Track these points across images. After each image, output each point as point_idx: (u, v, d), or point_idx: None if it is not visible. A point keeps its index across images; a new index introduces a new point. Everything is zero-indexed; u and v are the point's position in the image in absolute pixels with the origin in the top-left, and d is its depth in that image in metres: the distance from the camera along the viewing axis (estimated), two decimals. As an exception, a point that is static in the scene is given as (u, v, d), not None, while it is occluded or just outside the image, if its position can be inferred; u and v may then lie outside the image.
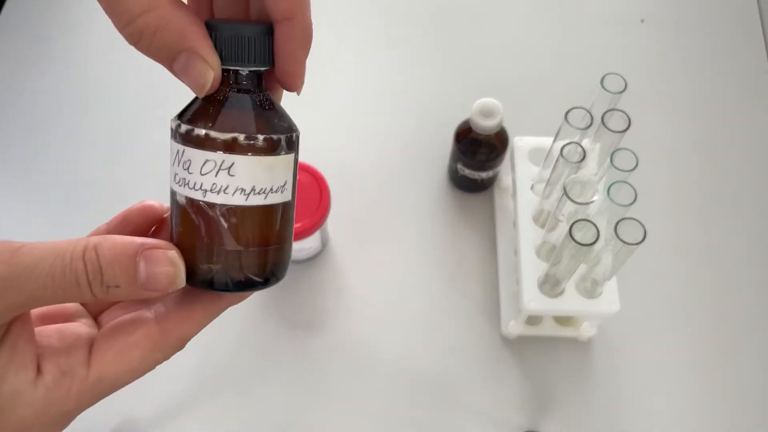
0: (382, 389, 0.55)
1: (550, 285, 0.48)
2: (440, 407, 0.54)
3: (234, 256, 0.25)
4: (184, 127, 0.25)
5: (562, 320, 0.56)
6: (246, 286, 0.27)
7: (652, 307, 0.58)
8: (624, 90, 0.45)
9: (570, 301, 0.49)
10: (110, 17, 0.22)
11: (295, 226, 0.52)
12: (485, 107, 0.53)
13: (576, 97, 0.48)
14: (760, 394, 0.55)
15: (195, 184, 0.24)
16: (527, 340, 0.56)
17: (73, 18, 0.74)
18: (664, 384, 0.55)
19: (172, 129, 0.26)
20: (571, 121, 0.46)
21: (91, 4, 0.84)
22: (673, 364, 0.56)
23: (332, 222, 0.60)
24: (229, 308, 0.62)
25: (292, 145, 0.25)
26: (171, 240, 0.25)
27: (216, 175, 0.23)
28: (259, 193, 0.24)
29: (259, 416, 0.54)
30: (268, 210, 0.25)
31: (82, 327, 0.25)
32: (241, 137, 0.23)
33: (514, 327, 0.55)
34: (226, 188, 0.24)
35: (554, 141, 0.49)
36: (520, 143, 0.56)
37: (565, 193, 0.43)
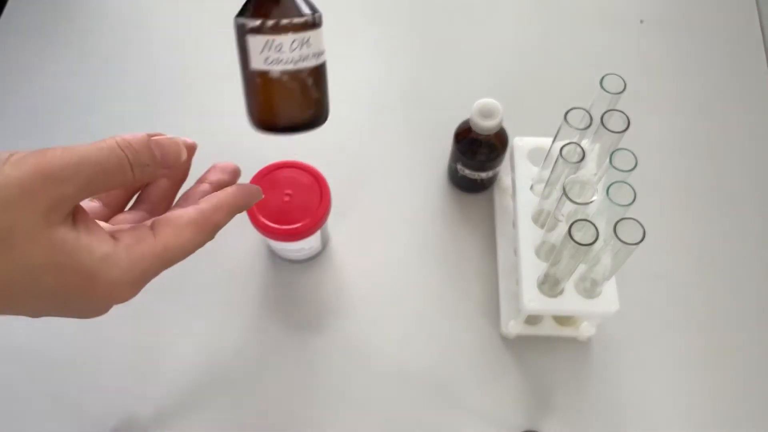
0: (381, 389, 0.55)
1: (550, 285, 0.48)
2: (440, 407, 0.54)
3: (315, 103, 0.36)
4: (270, 22, 0.34)
5: (562, 320, 0.56)
6: (316, 123, 0.37)
7: (651, 306, 0.58)
8: (623, 90, 0.45)
9: (569, 301, 0.49)
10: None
11: (295, 226, 0.53)
12: (485, 107, 0.53)
13: (575, 98, 0.48)
14: (760, 393, 0.55)
15: (288, 59, 0.34)
16: (527, 340, 0.56)
17: (75, 18, 0.74)
18: (663, 383, 0.55)
19: (252, 27, 0.35)
20: (570, 121, 0.46)
21: (92, 4, 0.84)
22: (672, 363, 0.56)
23: (332, 222, 0.61)
24: (229, 308, 0.62)
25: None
26: (259, 114, 0.38)
27: (300, 49, 0.34)
28: (320, 55, 0.35)
29: (259, 415, 0.54)
30: (324, 66, 0.36)
31: (134, 215, 0.32)
32: (310, 18, 0.34)
33: (513, 327, 0.55)
34: (307, 56, 0.34)
35: (554, 141, 0.49)
36: (520, 143, 0.56)
37: (565, 193, 0.43)
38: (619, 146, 0.44)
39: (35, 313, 0.27)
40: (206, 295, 0.58)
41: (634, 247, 0.40)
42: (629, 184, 0.42)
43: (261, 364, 0.56)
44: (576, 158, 0.45)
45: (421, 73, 0.71)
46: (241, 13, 0.35)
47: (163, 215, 0.30)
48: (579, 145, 0.45)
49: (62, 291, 0.26)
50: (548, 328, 0.56)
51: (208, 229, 0.30)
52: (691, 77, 0.70)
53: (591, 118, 0.45)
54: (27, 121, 0.67)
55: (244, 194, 0.34)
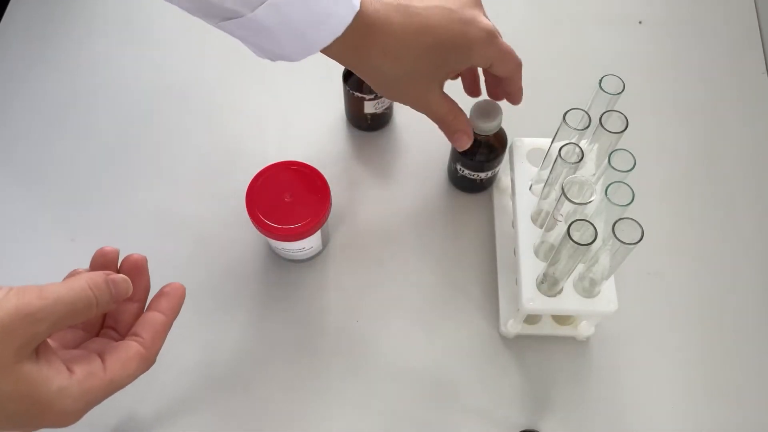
0: (381, 388, 0.55)
1: (549, 284, 0.49)
2: (439, 406, 0.55)
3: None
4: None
5: (561, 319, 0.56)
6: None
7: (649, 306, 0.58)
8: (622, 91, 0.45)
9: (568, 301, 0.49)
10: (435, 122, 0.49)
11: (295, 226, 0.53)
12: (484, 108, 0.54)
13: (574, 98, 0.49)
14: (759, 393, 0.55)
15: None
16: (526, 339, 0.57)
17: (76, 19, 0.74)
18: (662, 383, 0.56)
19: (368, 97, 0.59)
20: (569, 121, 0.46)
21: (93, 3, 0.84)
22: (671, 362, 0.56)
23: (332, 222, 0.61)
24: (229, 308, 0.62)
25: None
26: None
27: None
28: None
29: (259, 415, 0.54)
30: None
31: (82, 350, 0.36)
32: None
33: (512, 326, 0.55)
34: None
35: (552, 142, 0.49)
36: (519, 144, 0.56)
37: (564, 193, 0.43)
38: (618, 146, 0.44)
39: None
40: (206, 294, 0.59)
41: (632, 246, 0.40)
42: (628, 185, 0.42)
43: (261, 364, 0.56)
44: (575, 158, 0.45)
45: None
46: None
47: (114, 347, 0.35)
48: (578, 146, 0.45)
49: (20, 416, 0.31)
50: (547, 328, 0.56)
51: (152, 359, 0.36)
52: (689, 78, 0.71)
53: (590, 119, 0.46)
54: (28, 122, 0.67)
55: (177, 309, 0.38)
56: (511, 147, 0.57)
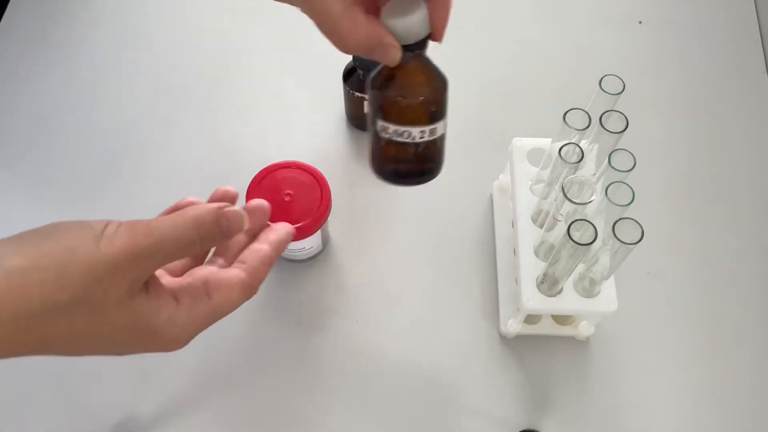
0: (381, 388, 0.55)
1: (549, 284, 0.49)
2: (439, 406, 0.55)
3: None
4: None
5: (561, 319, 0.56)
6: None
7: (649, 306, 0.58)
8: (622, 91, 0.45)
9: (568, 301, 0.49)
10: (327, 37, 0.35)
11: (296, 226, 0.53)
12: (400, 2, 0.38)
13: (574, 98, 0.49)
14: (759, 392, 0.55)
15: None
16: (526, 339, 0.57)
17: (76, 19, 0.74)
18: (662, 382, 0.56)
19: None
20: (569, 121, 0.46)
21: (93, 4, 0.84)
22: (671, 362, 0.56)
23: (332, 222, 0.61)
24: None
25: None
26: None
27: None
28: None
29: (259, 415, 0.54)
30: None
31: (188, 278, 0.36)
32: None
33: (512, 326, 0.55)
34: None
35: (553, 141, 0.49)
36: (519, 144, 0.56)
37: (564, 193, 0.43)
38: (618, 146, 0.44)
39: (105, 354, 0.33)
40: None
41: (632, 246, 0.40)
42: (628, 185, 0.42)
43: (261, 364, 0.56)
44: (575, 158, 0.45)
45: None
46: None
47: (219, 275, 0.35)
48: (578, 146, 0.45)
49: (133, 344, 0.32)
50: (547, 328, 0.56)
51: (254, 287, 0.36)
52: (689, 78, 0.71)
53: (590, 119, 0.46)
54: (27, 122, 0.67)
55: (282, 246, 0.38)
56: (511, 147, 0.57)
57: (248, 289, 0.35)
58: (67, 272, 0.28)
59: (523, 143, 0.56)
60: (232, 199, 0.38)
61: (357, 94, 0.61)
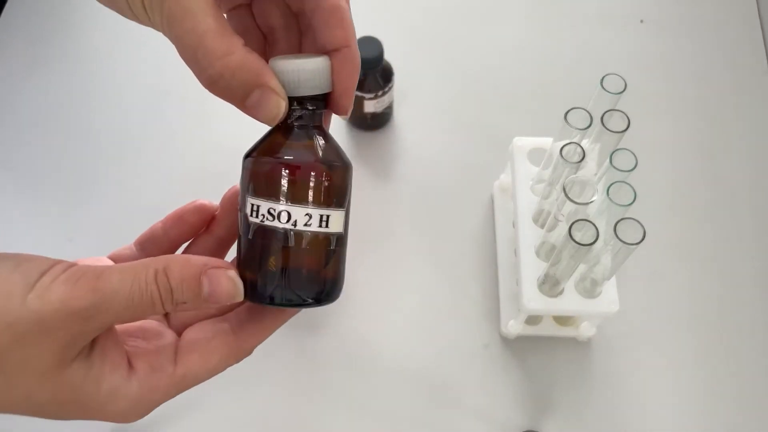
0: (381, 389, 0.55)
1: (550, 285, 0.48)
2: (439, 406, 0.54)
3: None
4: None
5: (562, 320, 0.56)
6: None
7: (651, 306, 0.58)
8: (623, 90, 0.45)
9: (569, 301, 0.49)
10: (189, 64, 0.27)
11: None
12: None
13: (575, 98, 0.48)
14: (760, 393, 0.55)
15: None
16: (527, 340, 0.56)
17: (76, 18, 0.74)
18: (663, 383, 0.55)
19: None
20: (570, 121, 0.46)
21: (92, 4, 0.83)
22: (672, 363, 0.56)
23: (332, 222, 0.61)
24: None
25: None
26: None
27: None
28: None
29: (259, 415, 0.54)
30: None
31: (161, 328, 0.30)
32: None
33: (513, 327, 0.55)
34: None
35: (554, 141, 0.49)
36: (520, 143, 0.56)
37: (565, 193, 0.43)
38: (620, 146, 0.44)
39: (38, 417, 0.27)
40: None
41: (634, 247, 0.40)
42: (629, 184, 0.42)
43: (260, 364, 0.56)
44: (576, 158, 0.45)
45: (420, 74, 0.70)
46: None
47: (192, 332, 0.28)
48: (579, 145, 0.45)
49: (68, 414, 0.26)
50: (548, 328, 0.56)
51: (245, 349, 0.29)
52: (691, 77, 0.70)
53: (591, 118, 0.45)
54: (26, 121, 0.67)
55: (290, 313, 0.31)
56: (512, 147, 0.57)
57: (235, 354, 0.28)
58: None
59: (524, 143, 0.56)
60: (209, 214, 0.32)
61: (357, 93, 0.61)
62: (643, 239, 0.40)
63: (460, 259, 0.60)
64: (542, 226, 0.52)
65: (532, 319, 0.56)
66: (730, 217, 0.62)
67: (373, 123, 0.66)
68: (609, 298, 0.48)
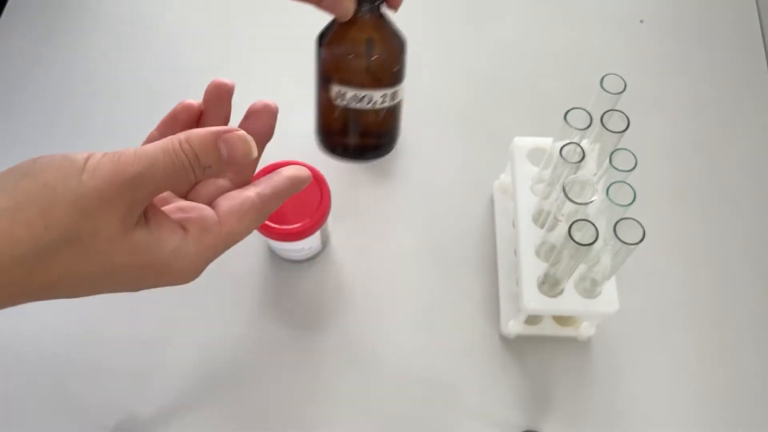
0: (381, 389, 0.55)
1: (550, 285, 0.49)
2: (439, 406, 0.54)
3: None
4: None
5: (562, 320, 0.56)
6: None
7: (651, 306, 0.58)
8: (623, 90, 0.45)
9: (569, 301, 0.49)
10: None
11: (295, 226, 0.53)
12: None
13: (575, 98, 0.48)
14: (760, 393, 0.55)
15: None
16: (527, 340, 0.56)
17: (76, 18, 0.74)
18: (663, 383, 0.55)
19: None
20: (570, 121, 0.46)
21: (92, 4, 0.84)
22: (672, 363, 0.56)
23: (332, 222, 0.61)
24: (230, 308, 0.62)
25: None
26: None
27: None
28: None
29: (259, 415, 0.54)
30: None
31: (195, 204, 0.33)
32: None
33: (513, 326, 0.55)
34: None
35: (554, 141, 0.49)
36: (520, 143, 0.56)
37: (565, 193, 0.43)
38: (619, 146, 0.44)
39: (111, 292, 0.30)
40: (206, 294, 0.58)
41: (634, 247, 0.40)
42: (629, 184, 0.42)
43: (261, 364, 0.56)
44: (576, 158, 0.45)
45: (420, 75, 0.70)
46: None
47: (230, 198, 0.32)
48: (579, 145, 0.45)
49: (138, 281, 0.30)
50: (548, 328, 0.56)
51: (266, 214, 0.33)
52: (691, 77, 0.70)
53: (591, 118, 0.45)
54: (27, 121, 0.67)
55: (298, 181, 0.34)
56: (512, 147, 0.57)
57: (260, 214, 0.32)
58: (50, 210, 0.26)
59: (524, 143, 0.56)
60: (227, 93, 0.36)
61: (357, 93, 0.60)
62: (642, 239, 0.40)
63: (459, 259, 0.60)
64: (542, 226, 0.52)
65: (532, 319, 0.56)
66: (729, 217, 0.62)
67: (373, 123, 0.66)
68: (609, 298, 0.49)
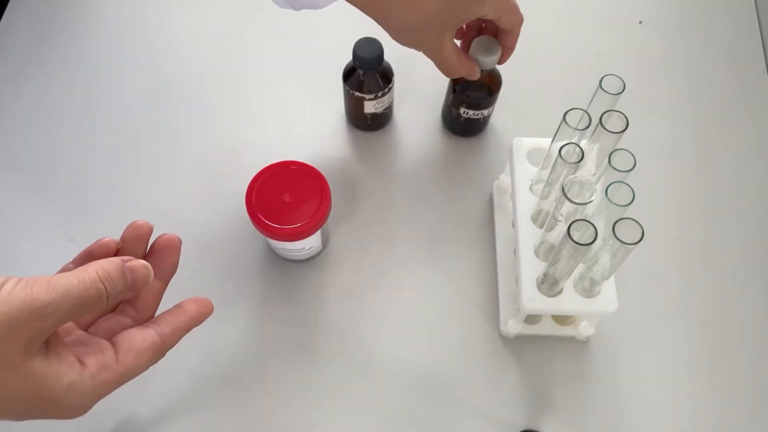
0: (381, 388, 0.55)
1: (549, 284, 0.49)
2: (439, 406, 0.55)
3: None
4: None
5: (561, 319, 0.56)
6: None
7: (650, 306, 0.58)
8: (622, 91, 0.45)
9: (568, 301, 0.49)
10: (445, 73, 0.53)
11: (295, 226, 0.53)
12: (485, 44, 0.55)
13: (574, 98, 0.49)
14: (759, 392, 0.55)
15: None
16: (526, 339, 0.57)
17: (77, 19, 0.74)
18: (662, 382, 0.56)
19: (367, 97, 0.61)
20: (569, 121, 0.46)
21: (93, 4, 0.84)
22: (671, 362, 0.56)
23: (332, 222, 0.61)
24: (229, 308, 0.62)
25: None
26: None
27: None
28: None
29: (259, 415, 0.54)
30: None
31: (95, 338, 0.35)
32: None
33: (512, 326, 0.55)
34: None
35: (553, 141, 0.49)
36: (519, 143, 0.56)
37: (564, 193, 0.43)
38: (618, 146, 0.44)
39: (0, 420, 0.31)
40: (206, 294, 0.58)
41: (632, 246, 0.40)
42: (628, 184, 0.42)
43: (261, 364, 0.56)
44: (575, 158, 0.45)
45: (420, 74, 0.71)
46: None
47: (129, 336, 0.34)
48: (578, 146, 0.45)
49: (26, 411, 0.30)
50: (547, 328, 0.56)
51: (164, 351, 0.35)
52: (690, 78, 0.71)
53: (590, 119, 0.46)
54: (27, 121, 0.67)
55: (200, 317, 0.37)
56: (511, 147, 0.57)
57: (158, 353, 0.34)
58: None
59: (523, 143, 0.56)
60: (145, 236, 0.37)
61: (357, 93, 0.61)
62: (641, 239, 0.40)
63: (459, 259, 0.60)
64: (541, 226, 0.52)
65: (531, 319, 0.56)
66: (728, 217, 0.63)
67: (373, 123, 0.66)
68: (608, 297, 0.49)
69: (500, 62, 0.55)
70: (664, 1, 0.76)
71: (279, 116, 0.68)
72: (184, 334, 0.36)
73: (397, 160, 0.66)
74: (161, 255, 0.37)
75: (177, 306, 0.37)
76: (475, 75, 0.54)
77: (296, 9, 0.48)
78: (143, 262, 0.33)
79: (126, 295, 0.33)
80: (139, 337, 0.34)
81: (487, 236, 0.61)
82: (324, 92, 0.68)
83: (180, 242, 0.38)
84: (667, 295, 0.59)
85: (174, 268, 0.39)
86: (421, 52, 0.50)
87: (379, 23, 0.48)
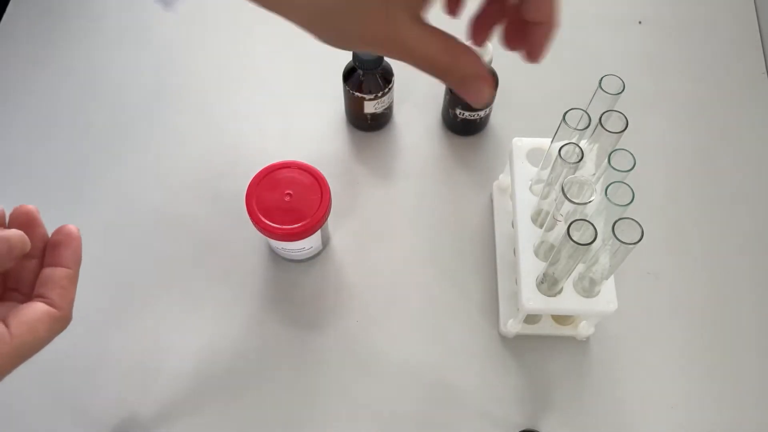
0: (381, 388, 0.55)
1: (549, 284, 0.49)
2: (439, 405, 0.55)
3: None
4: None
5: (561, 319, 0.56)
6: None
7: (649, 306, 0.58)
8: (622, 91, 0.45)
9: (568, 300, 0.49)
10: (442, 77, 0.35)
11: (295, 226, 0.53)
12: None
13: (574, 98, 0.49)
14: (758, 392, 0.55)
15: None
16: (525, 339, 0.57)
17: (77, 19, 0.74)
18: (661, 382, 0.56)
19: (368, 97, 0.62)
20: (569, 121, 0.46)
21: (93, 4, 0.84)
22: (670, 362, 0.56)
23: (332, 222, 0.61)
24: (229, 308, 0.62)
25: None
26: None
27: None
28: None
29: (259, 415, 0.54)
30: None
31: None
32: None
33: (512, 326, 0.55)
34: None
35: (552, 141, 0.49)
36: (519, 143, 0.56)
37: (563, 193, 0.43)
38: (618, 146, 0.44)
39: None
40: (207, 294, 0.59)
41: (632, 246, 0.40)
42: (627, 184, 0.42)
43: (261, 364, 0.56)
44: (575, 158, 0.45)
45: (420, 75, 0.71)
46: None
47: (18, 310, 0.33)
48: (578, 146, 0.45)
49: None
50: (547, 328, 0.56)
51: (65, 316, 0.34)
52: (689, 78, 0.71)
53: (590, 119, 0.46)
54: (27, 121, 0.67)
55: (78, 257, 0.35)
56: (511, 147, 0.57)
57: (57, 320, 0.33)
58: None
59: (523, 143, 0.56)
60: (28, 216, 0.36)
61: (357, 94, 0.61)
62: (641, 239, 0.40)
63: (459, 259, 0.60)
64: (541, 226, 0.52)
65: (531, 318, 0.56)
66: (728, 216, 0.63)
67: (373, 123, 0.66)
68: (607, 297, 0.49)
69: (534, 57, 0.39)
70: (664, 1, 0.76)
71: (279, 116, 0.68)
72: (74, 288, 0.35)
73: (397, 160, 0.66)
74: (66, 246, 0.35)
75: (47, 264, 0.35)
76: (484, 88, 0.35)
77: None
78: (16, 230, 0.33)
79: (5, 266, 0.32)
80: (28, 309, 0.33)
81: (487, 236, 0.61)
82: (324, 92, 0.68)
83: (37, 211, 0.36)
84: (666, 295, 0.59)
85: (44, 241, 0.36)
86: (377, 52, 0.33)
87: (281, 14, 0.33)
